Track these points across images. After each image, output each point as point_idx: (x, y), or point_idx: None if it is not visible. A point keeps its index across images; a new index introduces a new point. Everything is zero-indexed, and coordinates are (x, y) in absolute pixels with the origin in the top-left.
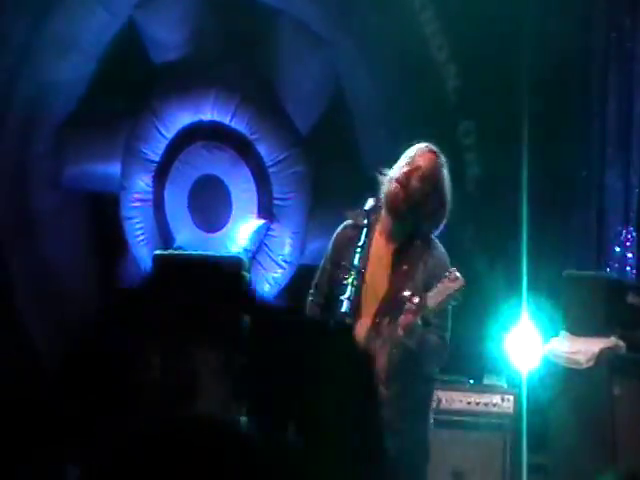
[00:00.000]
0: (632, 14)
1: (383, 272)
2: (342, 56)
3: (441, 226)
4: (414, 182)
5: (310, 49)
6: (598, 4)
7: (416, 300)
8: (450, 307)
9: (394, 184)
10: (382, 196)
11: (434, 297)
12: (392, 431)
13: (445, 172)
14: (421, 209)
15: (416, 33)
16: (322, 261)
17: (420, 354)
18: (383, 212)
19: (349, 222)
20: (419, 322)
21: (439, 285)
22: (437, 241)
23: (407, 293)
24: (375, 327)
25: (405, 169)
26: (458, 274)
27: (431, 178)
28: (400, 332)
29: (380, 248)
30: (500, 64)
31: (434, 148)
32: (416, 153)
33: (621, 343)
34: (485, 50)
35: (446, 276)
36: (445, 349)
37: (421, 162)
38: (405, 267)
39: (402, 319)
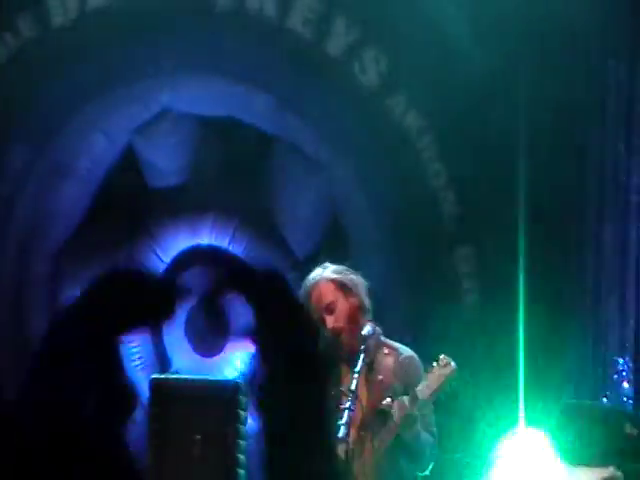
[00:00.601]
0: (627, 140)
1: (360, 388)
2: (338, 180)
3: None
4: (331, 320)
5: (306, 174)
6: (593, 133)
7: (396, 405)
8: (433, 401)
9: (331, 336)
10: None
11: (426, 388)
12: None
13: (341, 278)
14: (355, 326)
15: (413, 159)
16: None
17: (414, 449)
18: None
19: None
20: (416, 413)
21: (429, 375)
22: (403, 346)
23: (387, 402)
24: (361, 441)
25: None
26: (449, 359)
27: (333, 302)
28: (398, 421)
29: (347, 372)
30: (498, 191)
31: (315, 276)
32: (308, 292)
33: (619, 474)
34: (483, 176)
35: (436, 364)
36: (435, 446)
37: (315, 302)
38: (380, 377)
39: (399, 410)
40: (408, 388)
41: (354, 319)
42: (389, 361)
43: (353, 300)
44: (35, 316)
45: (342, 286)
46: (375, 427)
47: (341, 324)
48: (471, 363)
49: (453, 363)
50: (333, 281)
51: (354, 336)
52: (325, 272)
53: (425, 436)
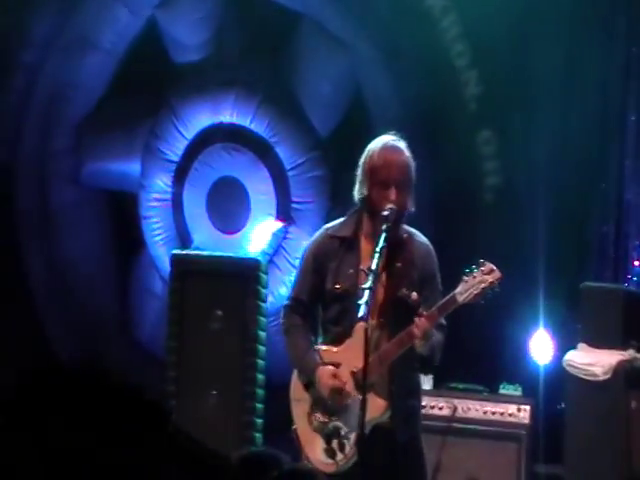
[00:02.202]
0: None
1: (381, 274)
2: (361, 59)
3: (412, 205)
4: (397, 198)
5: (329, 52)
6: (619, 21)
7: (414, 296)
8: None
9: (384, 204)
10: (358, 200)
11: (466, 292)
12: (390, 427)
13: (412, 163)
14: (401, 210)
15: (436, 38)
16: (300, 270)
17: (429, 355)
18: (365, 216)
19: (329, 231)
20: (433, 328)
21: (469, 279)
22: (418, 232)
23: (405, 291)
24: (380, 328)
25: (375, 186)
26: (493, 266)
27: (406, 184)
28: (416, 341)
29: (371, 251)
30: (520, 71)
31: (394, 143)
32: (383, 161)
33: (638, 355)
34: (506, 58)
35: (478, 269)
36: (445, 336)
37: (390, 174)
38: (399, 264)
39: (418, 325)
40: (423, 277)
41: (404, 209)
42: (407, 247)
43: (412, 194)
44: (57, 187)
45: (412, 176)
46: (394, 315)
47: (398, 204)
48: (492, 248)
49: (497, 270)
50: (410, 163)
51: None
52: (404, 148)
53: (437, 338)
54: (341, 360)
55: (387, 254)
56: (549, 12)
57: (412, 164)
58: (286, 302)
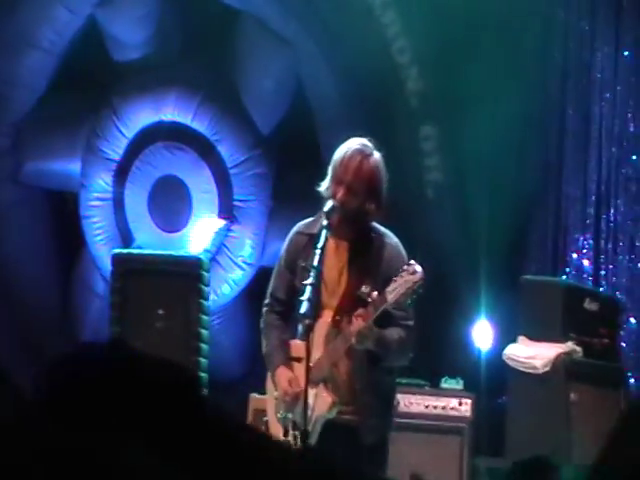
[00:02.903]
0: (590, 18)
1: (341, 269)
2: (303, 56)
3: (380, 212)
4: (342, 196)
5: (271, 49)
6: (558, 15)
7: (374, 295)
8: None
9: (327, 199)
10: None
11: (393, 292)
12: (355, 426)
13: (375, 164)
14: (357, 212)
15: (377, 34)
16: (275, 272)
17: (380, 353)
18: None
19: (300, 229)
20: (368, 326)
21: (397, 279)
22: (390, 233)
23: (365, 289)
24: (335, 324)
25: (332, 183)
26: (418, 267)
27: (358, 186)
28: (352, 340)
29: (334, 248)
30: (460, 66)
31: (360, 147)
32: (342, 160)
33: (577, 348)
34: (446, 53)
35: (405, 269)
36: (410, 339)
37: (346, 174)
38: (362, 263)
39: (353, 325)
40: (389, 277)
41: (361, 202)
42: (374, 246)
43: (369, 197)
44: None
45: (366, 179)
46: (351, 312)
47: (350, 204)
48: (435, 243)
49: (420, 271)
50: (369, 170)
51: (339, 212)
52: (375, 155)
53: (393, 336)
54: (303, 354)
55: (351, 251)
56: (490, 8)
57: (376, 170)
58: (265, 301)
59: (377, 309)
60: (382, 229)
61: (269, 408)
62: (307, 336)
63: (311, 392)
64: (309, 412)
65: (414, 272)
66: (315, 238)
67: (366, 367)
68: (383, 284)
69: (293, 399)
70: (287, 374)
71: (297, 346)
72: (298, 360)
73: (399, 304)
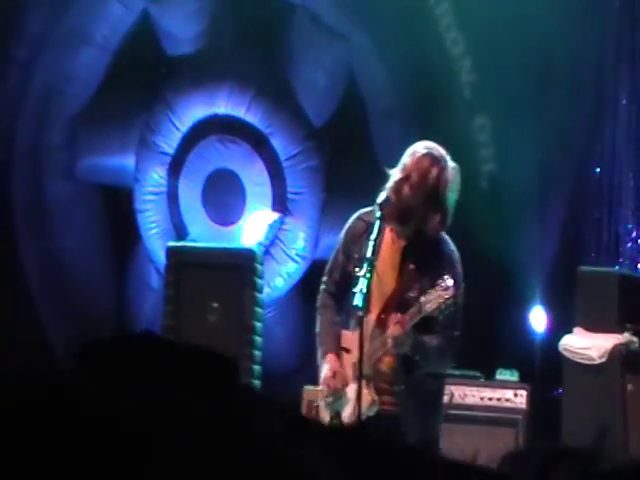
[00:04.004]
0: None
1: (392, 269)
2: (356, 49)
3: (443, 227)
4: (406, 190)
5: (324, 43)
6: (612, 3)
7: (422, 299)
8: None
9: (388, 192)
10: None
11: (428, 303)
12: (403, 426)
13: (443, 175)
14: (416, 215)
15: (431, 26)
16: (334, 252)
17: (418, 358)
18: None
19: (361, 215)
20: (404, 333)
21: (432, 292)
22: (447, 238)
23: (413, 293)
24: (380, 323)
25: (397, 177)
26: (450, 282)
27: (423, 186)
28: (389, 343)
29: (390, 243)
30: (514, 57)
31: (432, 151)
32: (411, 158)
33: (634, 339)
34: (500, 44)
35: (438, 283)
36: (451, 348)
37: (413, 170)
38: (412, 266)
39: (390, 330)
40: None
41: (415, 206)
42: (429, 250)
43: (432, 201)
44: (52, 182)
45: (438, 189)
46: (396, 313)
47: (408, 193)
48: (491, 233)
49: (451, 287)
50: (443, 180)
51: (397, 206)
52: (448, 167)
53: (433, 344)
54: (352, 346)
55: (407, 252)
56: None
57: (444, 180)
58: (322, 279)
59: (413, 319)
60: (444, 236)
61: (320, 396)
62: (360, 329)
63: (354, 387)
64: (352, 405)
65: (446, 288)
66: (373, 226)
67: (406, 370)
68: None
69: (335, 390)
70: (334, 365)
71: (346, 336)
72: (347, 351)
73: (433, 315)
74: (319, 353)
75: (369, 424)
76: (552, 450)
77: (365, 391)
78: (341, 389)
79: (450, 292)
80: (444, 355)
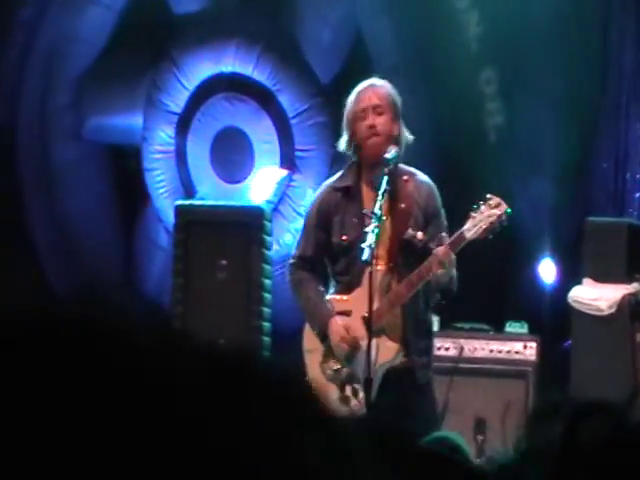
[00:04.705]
0: None
1: (385, 217)
2: (362, 4)
3: (407, 141)
4: (375, 119)
5: None
6: None
7: (420, 236)
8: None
9: (367, 133)
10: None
11: (475, 227)
12: (412, 367)
13: (381, 88)
14: (391, 138)
15: None
16: (303, 228)
17: (452, 288)
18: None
19: (330, 184)
20: (454, 257)
21: (477, 215)
22: (418, 171)
23: (411, 232)
24: (390, 272)
25: (354, 124)
26: (500, 199)
27: (376, 105)
28: (439, 271)
29: (373, 197)
30: (520, 9)
31: (366, 82)
32: (356, 97)
33: None
34: None
35: (485, 204)
36: (454, 273)
37: (365, 101)
38: (402, 206)
39: (441, 251)
40: (427, 215)
41: (390, 133)
42: (409, 187)
43: (396, 119)
44: (59, 143)
45: (392, 100)
46: (402, 257)
47: (380, 127)
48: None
49: (504, 203)
50: (386, 89)
51: (380, 149)
52: (381, 80)
53: (453, 272)
54: (352, 307)
55: (389, 197)
56: None
57: (390, 91)
58: (290, 260)
59: (455, 248)
60: (411, 169)
61: (311, 366)
62: (370, 282)
63: (364, 343)
64: (370, 362)
65: (498, 204)
66: (349, 191)
67: (417, 308)
68: (425, 223)
69: (352, 348)
70: (341, 321)
71: (338, 301)
72: (346, 314)
73: (480, 239)
74: (312, 327)
75: (386, 380)
76: (583, 404)
77: (387, 342)
78: (356, 343)
79: (504, 206)
80: (454, 280)
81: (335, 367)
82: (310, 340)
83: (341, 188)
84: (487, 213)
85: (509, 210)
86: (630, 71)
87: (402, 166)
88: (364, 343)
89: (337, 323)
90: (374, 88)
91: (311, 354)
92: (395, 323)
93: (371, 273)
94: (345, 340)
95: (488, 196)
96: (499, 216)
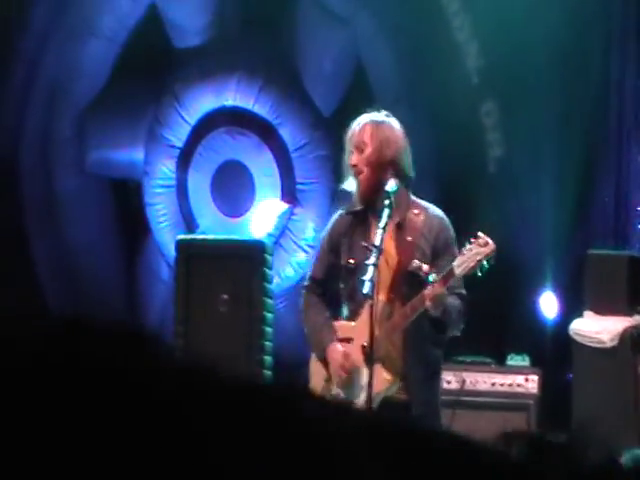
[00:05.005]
0: None
1: (389, 248)
2: (362, 36)
3: (409, 173)
4: (357, 158)
5: (331, 30)
6: None
7: (425, 268)
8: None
9: (352, 171)
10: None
11: (463, 264)
12: (408, 403)
13: (367, 125)
14: (374, 174)
15: (437, 11)
16: (316, 254)
17: (445, 322)
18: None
19: (342, 211)
20: (445, 292)
21: (466, 252)
22: (432, 205)
23: (416, 264)
24: (391, 303)
25: (349, 156)
26: (488, 238)
27: (366, 143)
28: (428, 304)
29: (377, 224)
30: (521, 42)
31: (369, 117)
32: (352, 133)
33: None
34: (506, 28)
35: (473, 242)
36: (464, 308)
37: (353, 140)
38: (409, 238)
39: (429, 291)
40: (437, 249)
41: (375, 167)
42: (418, 220)
43: (384, 150)
44: (61, 176)
45: (380, 136)
46: (405, 289)
47: (362, 165)
48: (498, 218)
49: (492, 242)
50: (373, 124)
51: (372, 185)
52: (375, 115)
53: (455, 304)
54: (354, 335)
55: (396, 229)
56: None
57: (381, 126)
58: (304, 284)
59: (446, 283)
60: (423, 202)
61: (315, 389)
62: (371, 315)
63: (367, 371)
64: (366, 391)
65: (485, 244)
66: (358, 215)
67: (418, 341)
68: (433, 256)
69: (349, 375)
70: (341, 349)
71: (344, 327)
72: (347, 341)
73: (467, 276)
74: (314, 352)
75: (382, 412)
76: (538, 439)
77: (382, 372)
78: (355, 366)
79: (491, 246)
80: (462, 315)
81: (334, 392)
82: (315, 364)
83: (352, 212)
84: (475, 251)
85: (495, 250)
86: (631, 104)
87: (415, 199)
88: (361, 371)
89: (336, 350)
90: (360, 125)
91: (315, 377)
92: (394, 354)
93: (371, 307)
94: (342, 367)
95: (478, 234)
96: (486, 254)
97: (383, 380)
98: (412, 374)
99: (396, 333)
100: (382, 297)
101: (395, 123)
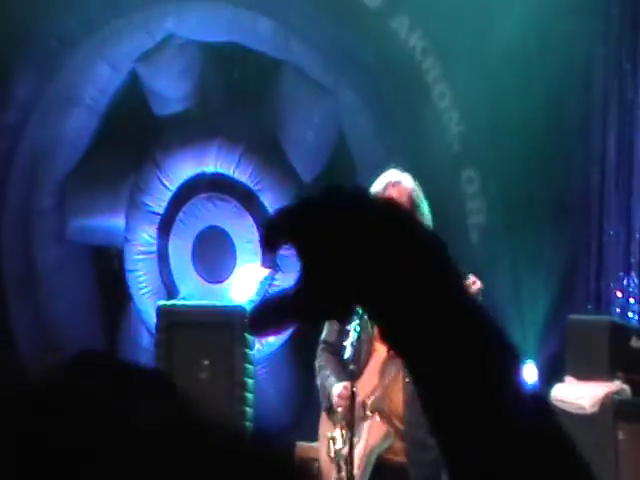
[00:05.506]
0: (632, 60)
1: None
2: (343, 104)
3: None
4: None
5: (312, 98)
6: (598, 49)
7: None
8: None
9: None
10: None
11: None
12: (405, 467)
13: (415, 193)
14: None
15: (417, 80)
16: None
17: None
18: None
19: None
20: None
21: None
22: None
23: None
24: (391, 355)
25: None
26: (474, 277)
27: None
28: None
29: None
30: (501, 110)
31: (385, 179)
32: (382, 189)
33: (625, 387)
34: (487, 96)
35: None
36: None
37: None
38: None
39: None
40: None
41: None
42: None
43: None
44: (41, 246)
45: (414, 203)
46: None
47: None
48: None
49: (478, 282)
50: (412, 191)
51: None
52: (407, 178)
53: None
54: (358, 391)
55: None
56: (522, 52)
57: (406, 196)
58: (320, 346)
59: None
60: None
61: (322, 452)
62: (352, 381)
63: (364, 424)
64: (363, 444)
65: (473, 283)
66: None
67: (418, 399)
68: None
69: (350, 408)
70: (342, 384)
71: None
72: (353, 396)
73: None
74: (322, 402)
75: (382, 473)
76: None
77: (378, 423)
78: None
79: (478, 285)
80: None
81: (337, 447)
82: (324, 426)
83: None
84: None
85: (481, 288)
86: (612, 173)
87: None
88: (361, 426)
89: (338, 387)
90: (402, 185)
91: (323, 438)
92: (392, 409)
93: (353, 372)
94: (340, 395)
95: (469, 275)
96: (475, 293)
97: (379, 431)
98: (411, 434)
99: (392, 387)
100: (384, 352)
101: (407, 180)
